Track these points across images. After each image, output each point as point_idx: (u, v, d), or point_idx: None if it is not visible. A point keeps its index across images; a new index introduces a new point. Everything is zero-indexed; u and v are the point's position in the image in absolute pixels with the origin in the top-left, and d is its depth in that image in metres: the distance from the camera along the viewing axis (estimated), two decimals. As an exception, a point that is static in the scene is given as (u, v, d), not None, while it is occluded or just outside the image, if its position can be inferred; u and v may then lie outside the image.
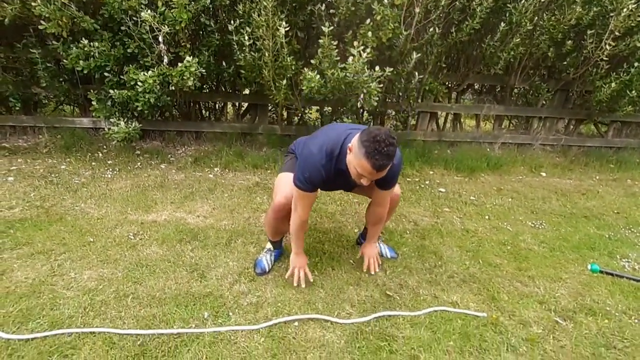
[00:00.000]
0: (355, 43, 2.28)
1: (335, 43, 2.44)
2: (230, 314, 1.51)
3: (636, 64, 3.12)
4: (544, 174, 3.50)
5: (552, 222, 2.53)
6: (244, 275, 1.75)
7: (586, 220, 2.61)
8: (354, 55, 2.32)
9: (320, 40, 2.43)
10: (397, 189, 1.72)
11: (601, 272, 1.95)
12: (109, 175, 2.80)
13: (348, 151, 1.37)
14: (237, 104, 3.77)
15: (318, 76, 2.44)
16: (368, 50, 2.31)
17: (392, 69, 2.47)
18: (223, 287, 1.66)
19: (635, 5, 2.80)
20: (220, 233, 2.09)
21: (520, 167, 3.59)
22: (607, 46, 2.99)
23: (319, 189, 1.54)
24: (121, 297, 1.56)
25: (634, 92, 3.22)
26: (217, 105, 3.66)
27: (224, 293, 1.62)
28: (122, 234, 2.04)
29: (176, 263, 1.81)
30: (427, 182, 3.08)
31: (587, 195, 3.09)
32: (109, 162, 3.03)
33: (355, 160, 1.30)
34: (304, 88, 2.52)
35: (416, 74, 2.59)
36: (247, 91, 3.38)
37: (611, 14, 2.89)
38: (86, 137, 3.30)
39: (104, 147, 3.25)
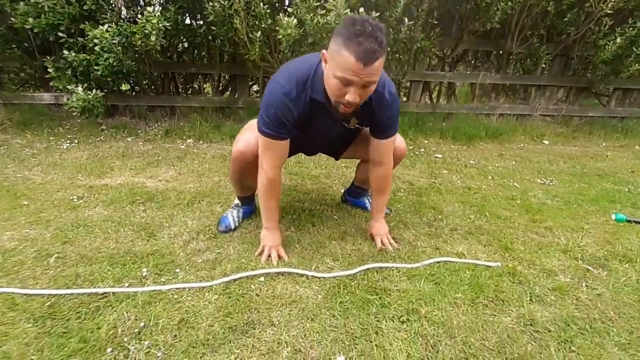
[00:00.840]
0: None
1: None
2: (178, 270, 1.19)
3: (641, 18, 2.89)
4: (546, 142, 3.25)
5: (563, 180, 2.25)
6: (204, 233, 1.44)
7: (600, 178, 2.33)
8: (334, -5, 2.05)
9: (296, -17, 2.16)
10: (400, 141, 1.37)
11: (628, 221, 1.67)
12: (65, 147, 2.47)
13: (323, 64, 1.03)
14: (215, 78, 3.48)
15: (295, 20, 2.15)
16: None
17: (378, 13, 2.20)
18: (175, 245, 1.34)
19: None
20: (183, 194, 1.78)
21: (521, 136, 3.33)
22: (611, -2, 2.76)
23: (289, 139, 1.16)
24: (43, 257, 1.24)
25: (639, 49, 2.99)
26: (193, 79, 3.36)
27: (175, 251, 1.30)
28: (64, 197, 1.71)
29: (121, 223, 1.49)
30: (421, 150, 2.79)
31: (596, 158, 2.83)
32: (69, 136, 2.70)
33: (334, 62, 0.95)
34: (280, 37, 2.23)
35: (405, 20, 2.32)
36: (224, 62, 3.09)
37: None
38: (47, 114, 2.97)
39: (67, 123, 2.92)
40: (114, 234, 1.40)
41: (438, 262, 1.29)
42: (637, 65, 3.09)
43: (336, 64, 0.95)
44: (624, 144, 3.31)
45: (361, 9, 2.17)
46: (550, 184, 2.18)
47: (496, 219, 1.67)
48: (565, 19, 3.08)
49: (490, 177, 2.25)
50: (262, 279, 1.16)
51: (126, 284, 1.11)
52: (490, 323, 1.03)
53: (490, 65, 3.69)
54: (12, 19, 2.43)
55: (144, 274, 1.16)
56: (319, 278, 1.18)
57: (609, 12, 2.84)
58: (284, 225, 1.51)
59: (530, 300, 1.12)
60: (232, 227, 1.47)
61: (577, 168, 2.53)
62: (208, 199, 1.75)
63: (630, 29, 2.93)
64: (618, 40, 2.93)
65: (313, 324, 1.00)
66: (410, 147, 2.82)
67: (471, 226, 1.58)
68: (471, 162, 2.56)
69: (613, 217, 1.71)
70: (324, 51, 1.02)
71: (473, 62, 3.88)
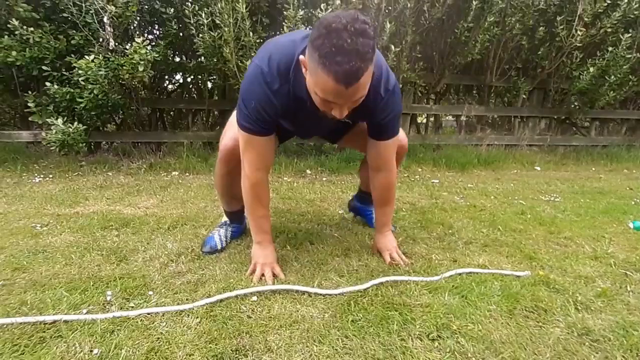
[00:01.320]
0: (323, 5, 2.06)
1: (303, 13, 2.22)
2: (151, 293, 0.97)
3: (610, 49, 3.08)
4: (538, 168, 3.23)
5: (567, 197, 2.17)
6: (186, 255, 1.23)
7: (602, 195, 2.26)
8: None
9: (285, 12, 2.21)
10: (402, 134, 1.20)
11: (649, 229, 1.56)
12: (37, 181, 2.27)
13: (303, 70, 0.86)
14: (203, 115, 3.42)
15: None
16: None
17: (365, 41, 2.24)
18: (150, 268, 1.13)
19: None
20: (164, 219, 1.58)
21: (512, 164, 3.32)
22: (579, 32, 2.95)
23: (273, 134, 1.00)
24: (-16, 286, 1.00)
25: (612, 77, 3.14)
26: (181, 116, 3.29)
27: (149, 274, 1.09)
28: (26, 225, 1.49)
29: (88, 248, 1.27)
30: (417, 177, 2.71)
31: (591, 180, 2.79)
32: (43, 172, 2.50)
33: (312, 78, 0.80)
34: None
35: (392, 47, 2.37)
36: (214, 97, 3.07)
37: (577, -2, 2.89)
38: (24, 152, 2.78)
39: (44, 161, 2.73)
40: (77, 260, 1.18)
41: (460, 274, 1.11)
42: (612, 92, 3.22)
43: (315, 82, 0.81)
44: (613, 169, 3.33)
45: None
46: (556, 200, 2.09)
47: (511, 231, 1.52)
48: (539, 52, 3.26)
49: (492, 197, 2.15)
50: (254, 298, 0.96)
51: (84, 311, 0.89)
52: (538, 335, 0.84)
53: (473, 99, 3.80)
54: (-6, 53, 2.36)
55: (108, 298, 0.94)
56: (324, 295, 0.98)
57: (578, 45, 3.02)
58: (279, 245, 1.32)
59: (576, 308, 0.95)
60: (219, 247, 1.27)
61: (576, 188, 2.47)
62: (192, 222, 1.56)
63: (601, 59, 3.10)
64: (591, 70, 3.07)
65: (322, 346, 0.79)
66: (405, 175, 2.73)
67: (486, 239, 1.43)
68: (469, 185, 2.48)
69: (631, 225, 1.60)
70: (301, 57, 0.85)
71: (456, 96, 4.00)
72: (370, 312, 0.91)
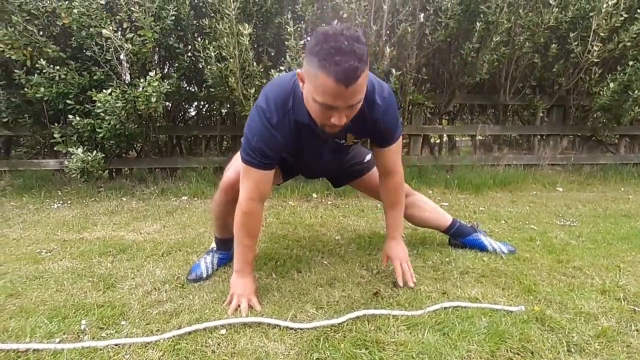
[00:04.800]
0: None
1: (303, 42, 2.29)
2: (124, 323, 0.98)
3: (631, 63, 2.92)
4: (560, 189, 3.05)
5: (586, 221, 2.01)
6: (170, 282, 1.24)
7: (627, 218, 2.09)
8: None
9: (287, 42, 2.28)
10: (399, 168, 1.18)
11: (674, 258, 1.41)
12: (55, 207, 2.41)
13: (300, 84, 0.93)
14: (217, 139, 3.55)
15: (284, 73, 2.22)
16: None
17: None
18: (132, 296, 1.14)
19: (615, 0, 2.70)
20: (160, 245, 1.61)
21: (532, 184, 3.15)
22: (595, 47, 2.83)
23: (275, 167, 1.06)
24: (-26, 312, 1.05)
25: (636, 92, 2.96)
26: (197, 142, 3.43)
27: (129, 302, 1.10)
28: (32, 250, 1.57)
29: (82, 275, 1.31)
30: (425, 199, 2.63)
31: (617, 201, 2.60)
32: (64, 197, 2.66)
33: (312, 86, 0.85)
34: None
35: (393, 71, 2.37)
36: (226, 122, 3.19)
37: (591, 14, 2.79)
38: (50, 179, 2.99)
39: (67, 187, 2.91)
40: (68, 286, 1.22)
41: (446, 308, 1.04)
42: (637, 108, 3.03)
43: (314, 88, 0.85)
44: (645, 188, 3.08)
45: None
46: (572, 225, 1.95)
47: (514, 260, 1.43)
48: (554, 70, 3.14)
49: (503, 222, 2.04)
50: (223, 331, 0.94)
51: (57, 340, 0.91)
52: (518, 382, 0.76)
53: (487, 118, 3.70)
54: (26, 89, 2.59)
55: (82, 327, 0.95)
56: (295, 330, 0.94)
57: (595, 60, 2.88)
58: (265, 272, 1.31)
59: (569, 350, 0.86)
60: (204, 275, 1.28)
61: (599, 210, 2.30)
62: (187, 248, 1.58)
63: (621, 74, 2.94)
64: (611, 85, 2.92)
65: (280, 387, 0.76)
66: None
67: (485, 268, 1.35)
68: (481, 208, 2.37)
69: (653, 254, 1.45)
70: (298, 70, 0.92)
71: (470, 116, 3.91)
72: (338, 349, 0.87)
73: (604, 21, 2.68)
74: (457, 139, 3.96)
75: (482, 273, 1.31)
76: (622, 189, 3.05)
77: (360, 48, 0.81)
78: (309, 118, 0.96)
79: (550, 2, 2.65)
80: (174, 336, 0.90)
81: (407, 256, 1.22)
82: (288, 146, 1.04)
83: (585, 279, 1.26)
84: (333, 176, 1.46)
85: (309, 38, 2.46)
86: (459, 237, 1.53)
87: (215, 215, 1.31)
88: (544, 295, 1.13)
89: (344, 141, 1.10)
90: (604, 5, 2.60)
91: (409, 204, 1.36)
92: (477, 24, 2.56)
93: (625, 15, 2.65)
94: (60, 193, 2.76)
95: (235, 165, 1.16)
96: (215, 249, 1.37)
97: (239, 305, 1.06)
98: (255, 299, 1.08)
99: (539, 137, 3.58)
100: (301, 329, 0.94)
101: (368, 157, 1.37)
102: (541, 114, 3.47)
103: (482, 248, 1.49)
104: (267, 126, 0.97)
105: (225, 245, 1.37)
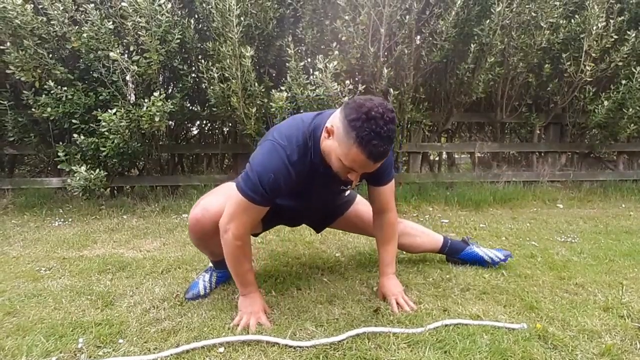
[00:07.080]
0: (320, 57, 2.18)
1: (303, 64, 2.35)
2: (122, 341, 0.97)
3: (624, 82, 2.98)
4: (560, 206, 3.05)
5: (587, 238, 2.01)
6: (169, 300, 1.23)
7: (628, 235, 2.08)
8: (320, 70, 2.19)
9: (288, 64, 2.35)
10: (393, 204, 1.23)
11: (676, 274, 1.40)
12: (56, 225, 2.41)
13: (325, 135, 0.97)
14: (218, 157, 3.59)
15: (286, 94, 2.27)
16: (335, 63, 2.19)
17: (364, 86, 2.32)
18: (130, 314, 1.14)
19: (604, 23, 2.78)
20: (160, 263, 1.61)
21: (533, 201, 3.15)
22: (587, 67, 2.90)
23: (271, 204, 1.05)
24: (-30, 331, 1.05)
25: (631, 110, 3.00)
26: (198, 161, 3.47)
27: (128, 320, 1.10)
28: (32, 268, 1.57)
29: (80, 292, 1.30)
30: (426, 216, 2.63)
31: (619, 218, 2.59)
32: (65, 215, 2.67)
33: (341, 149, 0.92)
34: (273, 110, 2.33)
35: (391, 90, 2.43)
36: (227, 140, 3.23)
37: (582, 36, 2.87)
38: (52, 197, 2.99)
39: (69, 205, 2.92)
40: (67, 304, 1.22)
41: (447, 325, 1.03)
42: (632, 125, 3.06)
43: (344, 154, 0.93)
44: (647, 205, 3.08)
45: (347, 82, 2.30)
46: (573, 241, 1.94)
47: (516, 277, 1.42)
48: (548, 88, 3.20)
49: (503, 238, 2.03)
50: (222, 349, 0.93)
51: (53, 359, 0.90)
52: (522, 401, 0.75)
53: (485, 135, 3.74)
54: (33, 109, 2.64)
55: (80, 345, 0.94)
56: (295, 348, 0.93)
57: (589, 79, 2.94)
58: (265, 290, 1.30)
59: (573, 368, 0.84)
60: (202, 293, 1.27)
61: (600, 227, 2.29)
62: (186, 266, 1.57)
63: (615, 92, 2.99)
64: (606, 103, 2.96)
65: (278, 406, 0.74)
66: (414, 215, 2.66)
67: (486, 285, 1.34)
68: (481, 225, 2.37)
69: (656, 270, 1.44)
70: (327, 125, 0.97)
71: (468, 133, 3.96)
72: (338, 367, 0.85)
73: (595, 42, 2.75)
74: (456, 155, 3.99)
75: (483, 290, 1.30)
76: (623, 205, 3.05)
77: (393, 131, 0.91)
78: (324, 163, 1.01)
79: (542, 24, 2.73)
80: (171, 355, 0.89)
81: (402, 291, 1.21)
82: (297, 185, 1.04)
83: (587, 295, 1.24)
84: (319, 218, 1.42)
85: (309, 60, 2.53)
86: (454, 254, 1.53)
87: (200, 250, 1.33)
88: (546, 313, 1.11)
89: (349, 186, 1.15)
90: (594, 28, 2.68)
91: (399, 233, 1.33)
92: (472, 45, 2.64)
93: (616, 37, 2.73)
94: (61, 211, 2.76)
95: (204, 203, 1.14)
96: (213, 267, 1.37)
97: (248, 325, 1.04)
98: (264, 317, 1.07)
99: (537, 154, 3.61)
100: (300, 347, 0.93)
101: (347, 191, 1.34)
102: (538, 132, 3.51)
103: (479, 260, 1.49)
104: (286, 163, 0.98)
105: (221, 264, 1.35)
